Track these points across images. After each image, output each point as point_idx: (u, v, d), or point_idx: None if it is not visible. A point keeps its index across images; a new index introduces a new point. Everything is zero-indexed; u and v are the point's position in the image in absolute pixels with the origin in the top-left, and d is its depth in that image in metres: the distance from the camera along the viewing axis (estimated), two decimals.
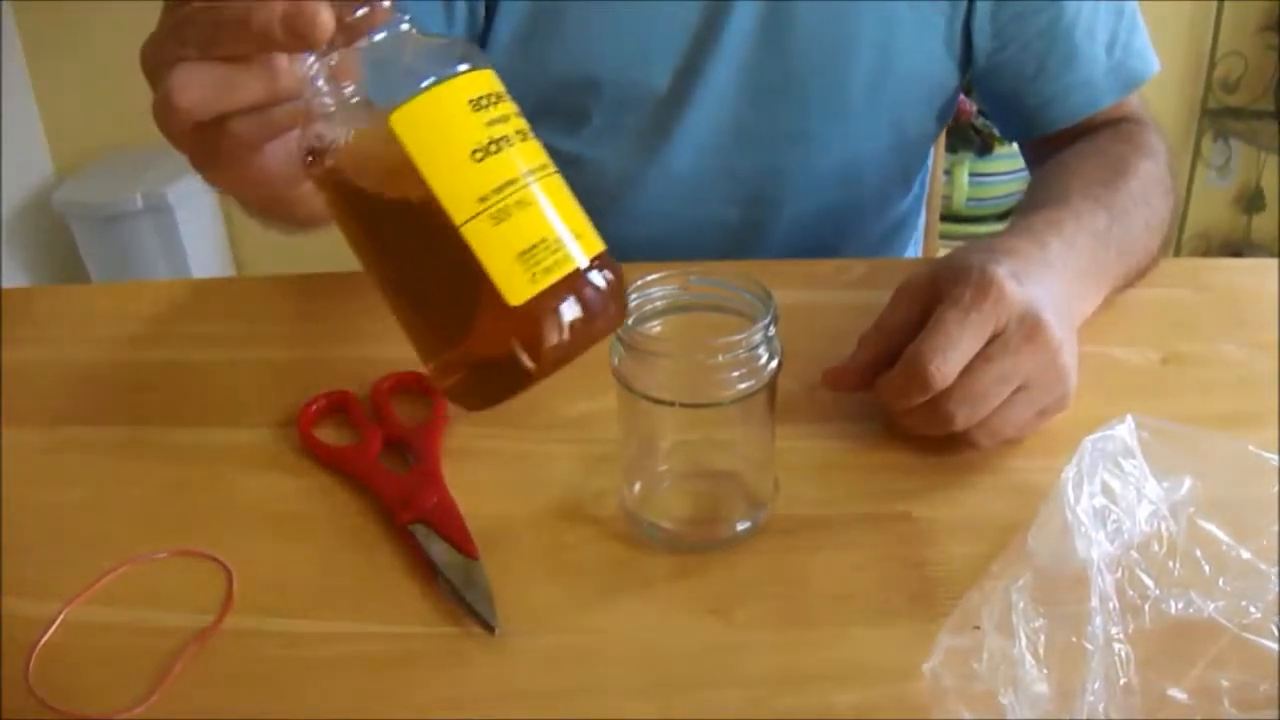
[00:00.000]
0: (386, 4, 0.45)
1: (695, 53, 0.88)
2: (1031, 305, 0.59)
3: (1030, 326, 0.59)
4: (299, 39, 0.43)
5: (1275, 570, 0.50)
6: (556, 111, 0.90)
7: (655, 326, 0.56)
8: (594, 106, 0.90)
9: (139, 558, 0.58)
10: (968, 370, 0.58)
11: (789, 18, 0.87)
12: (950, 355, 0.58)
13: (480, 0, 0.86)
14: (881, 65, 0.89)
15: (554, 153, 0.45)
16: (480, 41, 0.89)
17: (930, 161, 1.11)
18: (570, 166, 0.44)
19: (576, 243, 0.44)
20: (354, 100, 0.44)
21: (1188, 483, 0.54)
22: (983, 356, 0.58)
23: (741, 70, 0.89)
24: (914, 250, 1.15)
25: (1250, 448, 0.55)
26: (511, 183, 0.43)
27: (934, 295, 0.61)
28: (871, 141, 0.94)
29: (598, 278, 0.44)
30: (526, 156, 0.44)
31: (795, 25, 0.87)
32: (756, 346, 0.53)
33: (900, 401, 0.61)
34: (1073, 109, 0.89)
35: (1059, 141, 0.90)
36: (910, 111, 0.95)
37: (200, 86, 0.45)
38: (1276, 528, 0.52)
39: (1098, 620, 0.47)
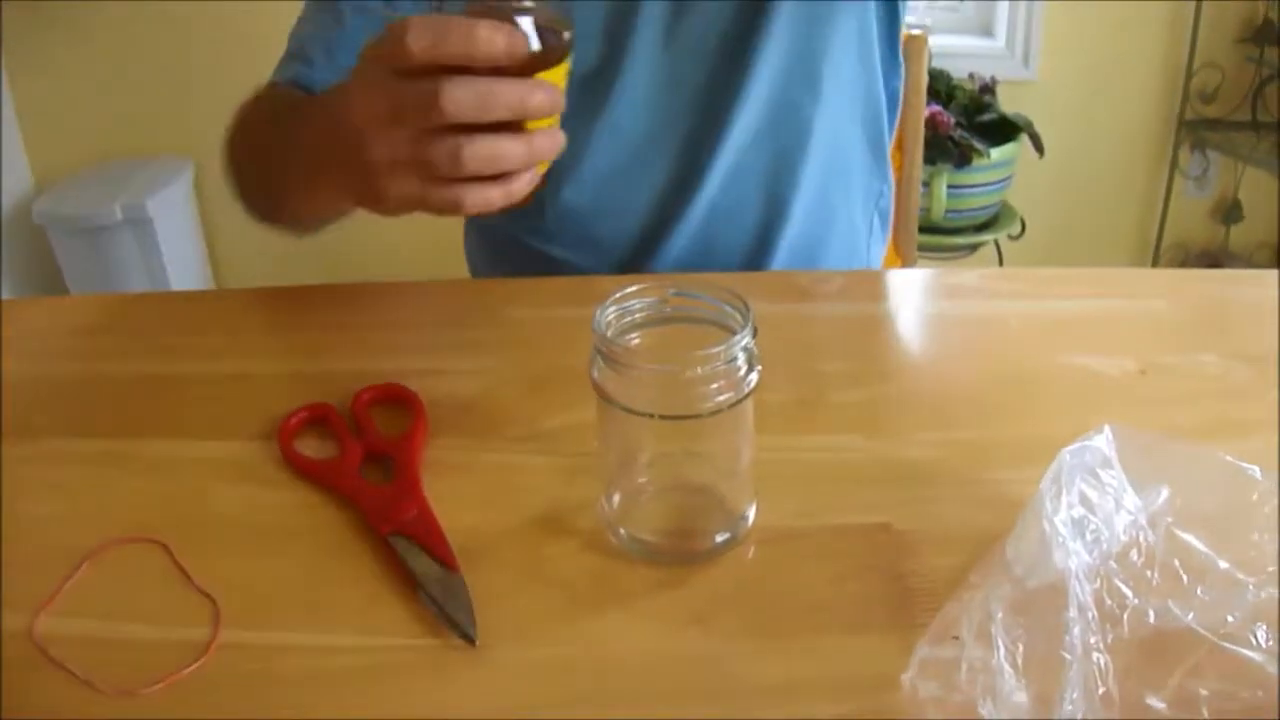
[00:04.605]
0: None
1: (616, 24, 0.90)
2: None
3: None
4: None
5: (1252, 580, 0.51)
6: None
7: (634, 339, 0.57)
8: None
9: (96, 553, 0.58)
10: None
11: None
12: None
13: None
14: (802, 17, 0.91)
15: None
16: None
17: (889, 169, 1.10)
18: None
19: None
20: None
21: (1165, 493, 0.54)
22: None
23: (665, 30, 0.91)
24: (880, 252, 1.14)
25: (1228, 458, 0.55)
26: None
27: None
28: (800, 81, 0.95)
29: None
30: None
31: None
32: (735, 359, 0.54)
33: None
34: None
35: None
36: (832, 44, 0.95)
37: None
38: (1253, 537, 0.52)
39: (1076, 630, 0.47)
